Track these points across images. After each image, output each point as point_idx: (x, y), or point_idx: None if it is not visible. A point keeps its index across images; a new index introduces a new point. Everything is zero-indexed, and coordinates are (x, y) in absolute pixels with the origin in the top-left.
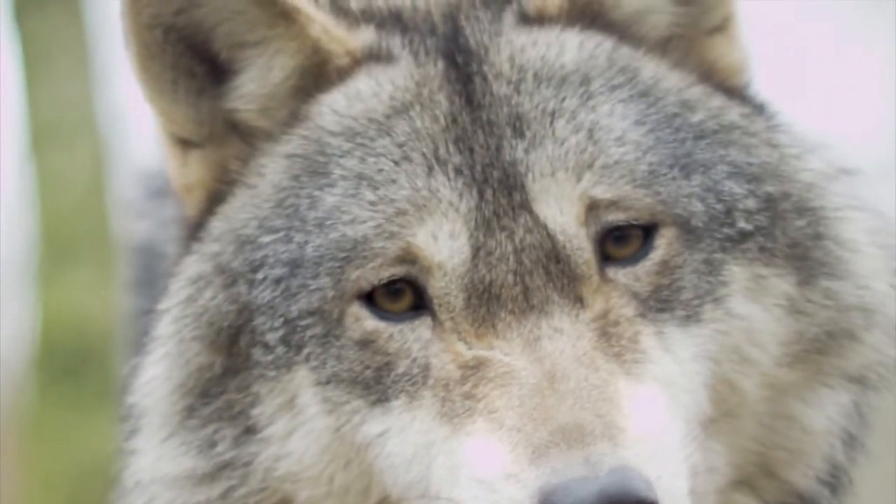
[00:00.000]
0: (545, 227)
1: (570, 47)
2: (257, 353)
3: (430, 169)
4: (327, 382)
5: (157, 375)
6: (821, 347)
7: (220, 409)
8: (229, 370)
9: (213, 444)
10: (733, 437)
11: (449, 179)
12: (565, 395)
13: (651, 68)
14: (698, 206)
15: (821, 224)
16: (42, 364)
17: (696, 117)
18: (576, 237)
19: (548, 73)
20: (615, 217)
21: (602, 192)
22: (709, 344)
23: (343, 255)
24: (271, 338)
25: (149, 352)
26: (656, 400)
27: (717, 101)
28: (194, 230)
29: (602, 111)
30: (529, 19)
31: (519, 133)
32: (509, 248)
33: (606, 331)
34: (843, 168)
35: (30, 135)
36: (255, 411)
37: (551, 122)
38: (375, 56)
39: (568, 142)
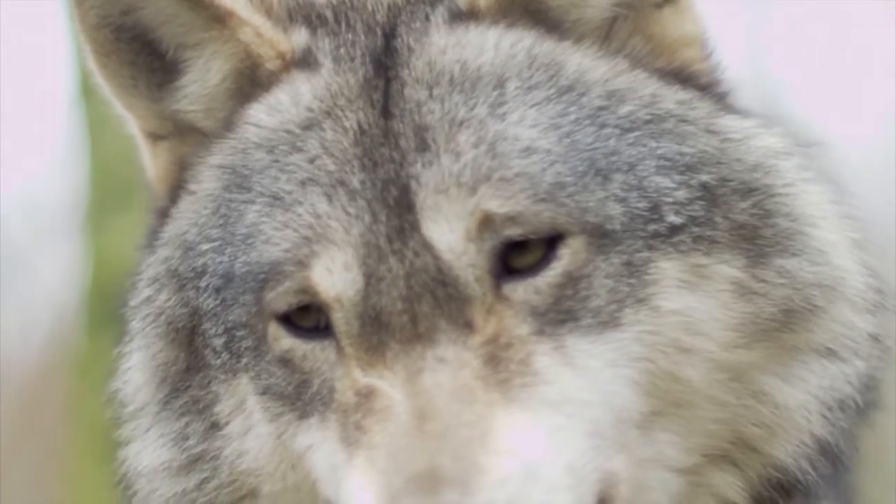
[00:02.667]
0: (433, 248)
1: (488, 47)
2: (209, 355)
3: (333, 189)
4: (263, 393)
5: (134, 366)
6: (781, 326)
7: (188, 403)
8: (192, 367)
9: (185, 437)
10: (690, 423)
11: (348, 202)
12: (431, 437)
13: (576, 60)
14: (616, 210)
15: (770, 202)
16: (91, 308)
17: (624, 108)
18: (464, 255)
19: (462, 77)
20: (512, 232)
21: (497, 207)
22: (633, 346)
23: (261, 275)
24: (217, 343)
25: (126, 342)
26: (538, 427)
27: (652, 88)
28: (161, 223)
29: (511, 119)
30: (460, 16)
31: (423, 146)
32: (400, 273)
33: (496, 355)
34: (799, 143)
35: (79, 79)
36: (216, 408)
37: (455, 133)
38: (303, 62)
39: (466, 155)
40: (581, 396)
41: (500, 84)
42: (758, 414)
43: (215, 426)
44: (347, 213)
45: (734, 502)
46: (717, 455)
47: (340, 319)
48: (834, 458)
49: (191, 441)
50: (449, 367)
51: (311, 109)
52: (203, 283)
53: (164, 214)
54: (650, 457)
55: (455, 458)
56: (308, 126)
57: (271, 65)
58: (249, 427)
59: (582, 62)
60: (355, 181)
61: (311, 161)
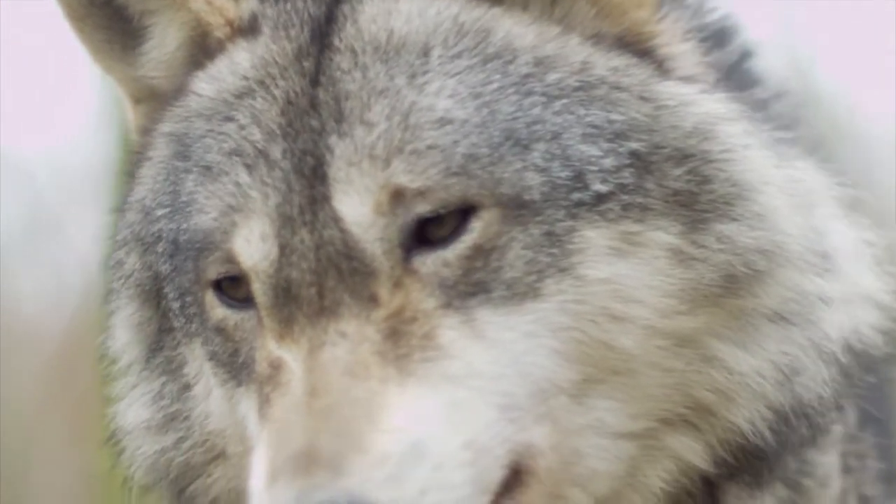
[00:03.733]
0: (341, 221)
1: (415, 15)
2: (172, 317)
3: (256, 159)
4: (210, 359)
5: (118, 324)
6: (724, 291)
7: (164, 363)
8: (163, 328)
9: (162, 396)
10: (632, 390)
11: (267, 173)
12: (317, 414)
13: (506, 27)
14: (535, 180)
15: (707, 168)
16: None
17: (552, 76)
18: (372, 228)
19: (388, 45)
20: (422, 208)
21: (409, 181)
22: (555, 316)
23: (197, 244)
24: (174, 307)
25: (111, 300)
26: (434, 403)
27: (584, 54)
28: (130, 187)
29: (430, 89)
30: None
31: (340, 116)
32: (310, 245)
33: (398, 329)
34: (746, 108)
35: None
36: (185, 370)
37: (372, 104)
38: (247, 29)
39: (379, 126)
40: (491, 369)
41: (425, 53)
42: (711, 379)
43: (186, 387)
44: (265, 184)
45: (696, 465)
46: (673, 419)
47: (258, 290)
48: (808, 422)
49: (166, 400)
50: (349, 341)
51: (246, 78)
52: (160, 249)
53: (132, 177)
54: (586, 424)
55: (336, 437)
56: (242, 95)
57: (219, 32)
58: (210, 389)
59: (512, 29)
60: (277, 151)
61: (241, 130)
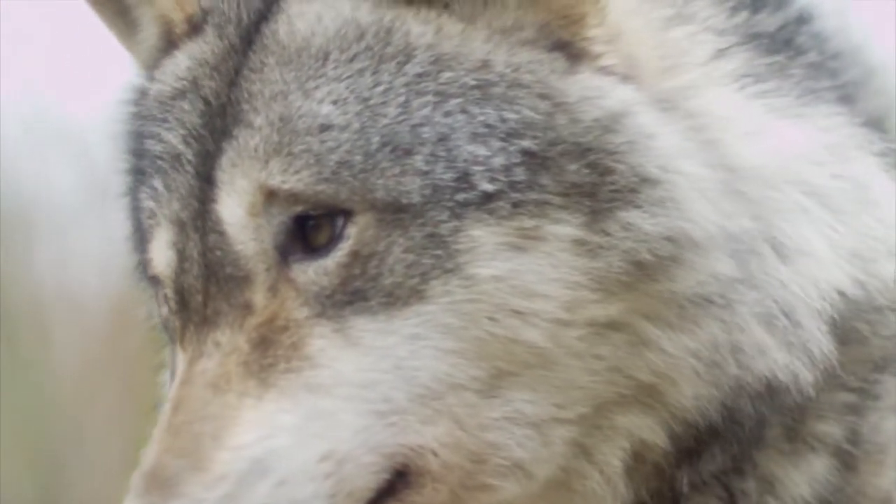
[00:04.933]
0: (221, 223)
1: (321, 17)
2: None
3: (171, 163)
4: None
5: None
6: (636, 278)
7: None
8: None
9: None
10: (555, 379)
11: (178, 177)
12: (172, 430)
13: (407, 27)
14: (415, 183)
15: (608, 160)
16: None
17: (447, 74)
18: (246, 229)
19: (292, 48)
20: (295, 210)
21: (281, 182)
22: (443, 318)
23: (139, 245)
24: None
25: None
26: (292, 415)
27: (485, 51)
28: None
29: (318, 94)
30: None
31: (237, 118)
32: (199, 251)
33: (268, 338)
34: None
35: None
36: None
37: (262, 108)
38: (195, 27)
39: (263, 130)
40: (364, 376)
41: (324, 56)
42: (649, 362)
43: None
44: (172, 189)
45: (653, 443)
46: (622, 400)
47: (167, 295)
48: (777, 393)
49: None
50: (220, 352)
51: (181, 79)
52: (136, 239)
53: None
54: (502, 416)
55: (180, 455)
56: (175, 96)
57: (178, 29)
58: None
59: (412, 28)
60: (189, 154)
61: (167, 133)
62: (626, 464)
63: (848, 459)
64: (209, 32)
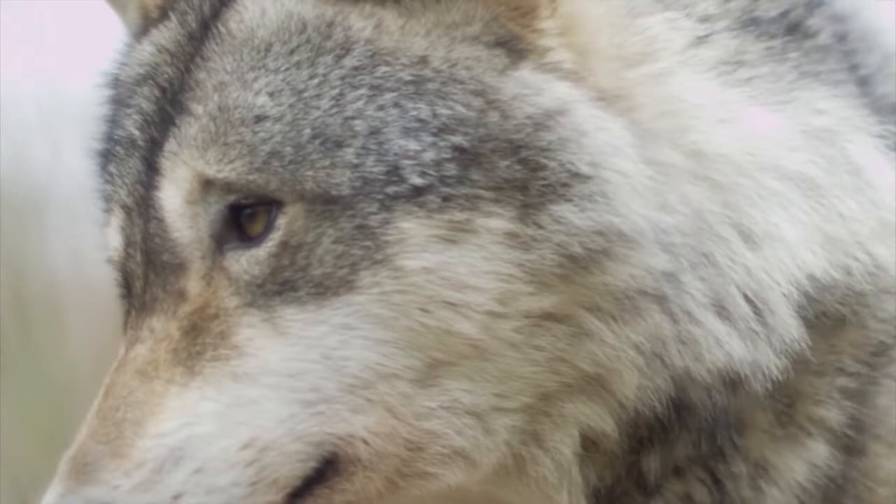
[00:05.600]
0: (161, 211)
1: (267, 8)
2: None
3: (126, 149)
4: None
5: None
6: (570, 270)
7: None
8: None
9: None
10: (492, 370)
11: (129, 162)
12: (100, 415)
13: (349, 22)
14: (344, 176)
15: (540, 156)
16: None
17: (383, 69)
18: (183, 217)
19: (240, 38)
20: (229, 199)
21: (216, 173)
22: (374, 308)
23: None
24: None
25: None
26: (216, 403)
27: (424, 47)
28: None
29: (256, 86)
30: None
31: (183, 106)
32: (142, 237)
33: (198, 326)
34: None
35: None
36: None
37: (204, 97)
38: (165, 13)
39: (202, 119)
40: (291, 366)
41: (266, 48)
42: (591, 353)
43: None
44: (123, 175)
45: (602, 431)
46: (569, 389)
47: (117, 280)
48: (732, 382)
49: None
50: (154, 338)
51: (143, 65)
52: None
53: None
54: (439, 406)
55: (102, 442)
56: (138, 82)
57: (152, 15)
58: None
59: (354, 23)
60: (141, 141)
61: (126, 119)
62: (577, 451)
63: (850, 444)
64: (173, 20)
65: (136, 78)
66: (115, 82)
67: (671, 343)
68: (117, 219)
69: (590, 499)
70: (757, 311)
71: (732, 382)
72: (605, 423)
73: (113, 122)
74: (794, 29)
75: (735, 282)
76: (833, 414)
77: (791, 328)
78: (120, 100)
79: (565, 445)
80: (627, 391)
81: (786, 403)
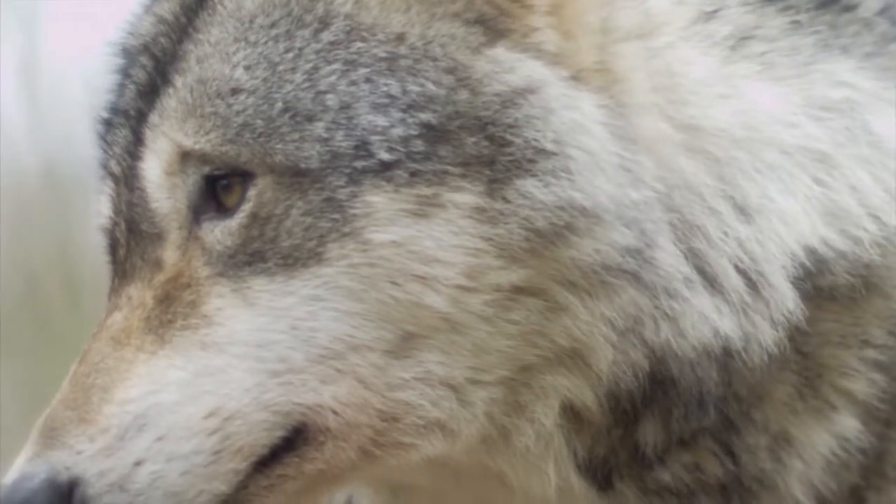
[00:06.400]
0: (143, 181)
1: None
2: None
3: (120, 120)
4: None
5: None
6: (539, 245)
7: None
8: None
9: None
10: (466, 342)
11: (121, 132)
12: (72, 381)
13: None
14: (313, 149)
15: (507, 133)
16: None
17: (359, 45)
18: (161, 188)
19: (227, 9)
20: (203, 169)
21: (192, 143)
22: (341, 280)
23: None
24: None
25: None
26: (182, 371)
27: (402, 24)
28: None
29: (235, 59)
30: None
31: (167, 79)
32: (125, 206)
33: (171, 295)
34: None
35: None
36: None
37: (186, 69)
38: None
39: (182, 91)
40: (260, 336)
41: (249, 21)
42: (565, 327)
43: None
44: (115, 145)
45: (583, 403)
46: (544, 363)
47: (105, 248)
48: (721, 357)
49: None
50: (130, 306)
51: (143, 35)
52: None
53: None
54: (413, 377)
55: (70, 407)
56: (138, 52)
57: None
58: None
59: None
60: (133, 111)
61: (122, 89)
62: (558, 422)
63: (882, 416)
64: None
65: (137, 48)
66: (123, 52)
67: (648, 319)
68: (108, 187)
69: (582, 470)
70: (750, 284)
71: (724, 356)
72: (584, 395)
73: (116, 91)
74: (829, 2)
75: (727, 254)
76: (861, 386)
77: (787, 300)
78: (124, 70)
79: (546, 417)
80: (602, 365)
81: (807, 377)
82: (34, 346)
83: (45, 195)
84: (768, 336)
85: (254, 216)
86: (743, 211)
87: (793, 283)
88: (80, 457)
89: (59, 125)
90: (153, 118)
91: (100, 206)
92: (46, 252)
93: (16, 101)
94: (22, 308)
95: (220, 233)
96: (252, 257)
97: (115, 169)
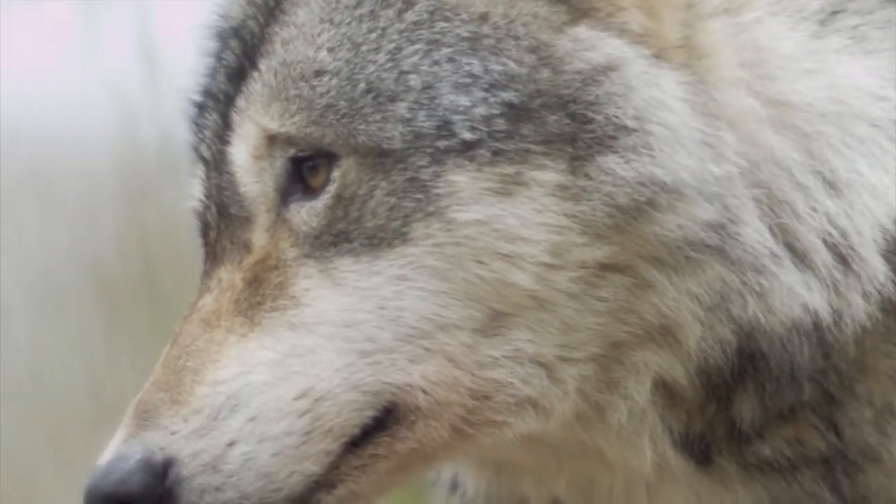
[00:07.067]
0: (231, 165)
1: None
2: None
3: (211, 104)
4: None
5: None
6: (621, 221)
7: None
8: None
9: None
10: (554, 320)
11: (211, 115)
12: (165, 363)
13: None
14: (396, 129)
15: (589, 111)
16: None
17: (442, 24)
18: (249, 173)
19: None
20: (289, 152)
21: (278, 126)
22: (427, 259)
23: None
24: None
25: None
26: (272, 352)
27: (485, 3)
28: None
29: (319, 41)
30: None
31: (254, 62)
32: (216, 189)
33: (259, 277)
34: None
35: None
36: None
37: (273, 51)
38: None
39: (267, 74)
40: (348, 316)
41: (336, 1)
42: (655, 304)
43: None
44: (206, 128)
45: (675, 380)
46: (635, 340)
47: (197, 230)
48: (810, 332)
49: None
50: (221, 288)
51: (233, 18)
52: None
53: None
54: (503, 355)
55: (163, 389)
56: (229, 35)
57: None
58: None
59: None
60: (222, 95)
61: (213, 72)
62: (651, 399)
63: None
64: None
65: (228, 31)
66: (215, 35)
67: (736, 295)
68: (200, 170)
69: (679, 446)
70: (839, 258)
71: (815, 331)
72: (675, 371)
73: (209, 75)
74: None
75: (816, 229)
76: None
77: (878, 273)
78: (216, 53)
79: (639, 393)
80: (692, 341)
81: None
82: (151, 327)
83: (162, 171)
84: (860, 310)
85: (338, 197)
86: (832, 185)
87: (884, 256)
88: (174, 437)
89: (177, 99)
90: (240, 102)
91: (192, 190)
92: (163, 230)
93: (134, 76)
94: (140, 287)
95: (306, 214)
96: (337, 238)
97: (206, 153)
